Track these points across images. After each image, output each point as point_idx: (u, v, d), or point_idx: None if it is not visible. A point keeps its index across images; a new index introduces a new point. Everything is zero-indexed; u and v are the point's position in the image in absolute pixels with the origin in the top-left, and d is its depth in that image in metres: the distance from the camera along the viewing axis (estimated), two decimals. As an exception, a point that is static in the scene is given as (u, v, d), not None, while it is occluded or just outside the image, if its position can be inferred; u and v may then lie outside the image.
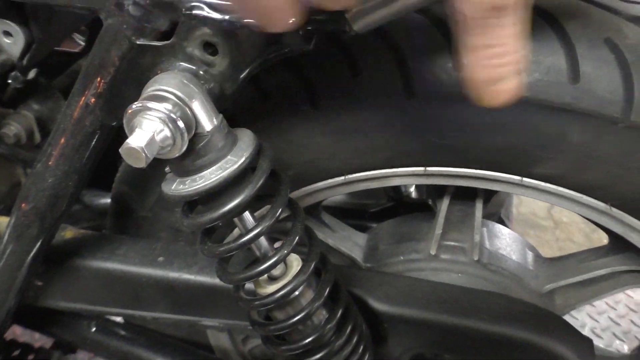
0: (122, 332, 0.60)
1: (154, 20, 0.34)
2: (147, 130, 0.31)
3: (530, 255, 0.56)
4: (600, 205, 0.42)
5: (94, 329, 0.59)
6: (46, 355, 0.67)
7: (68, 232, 0.52)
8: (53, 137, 0.42)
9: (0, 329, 0.55)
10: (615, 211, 0.43)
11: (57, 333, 0.61)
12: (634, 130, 0.37)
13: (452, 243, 0.54)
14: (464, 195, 0.52)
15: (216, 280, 0.48)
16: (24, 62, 0.40)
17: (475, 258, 0.53)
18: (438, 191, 0.54)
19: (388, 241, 0.58)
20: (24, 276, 0.51)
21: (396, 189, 0.69)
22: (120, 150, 0.31)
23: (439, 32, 0.38)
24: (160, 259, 0.50)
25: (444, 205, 0.52)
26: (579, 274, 0.53)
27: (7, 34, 0.40)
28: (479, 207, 0.51)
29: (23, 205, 0.47)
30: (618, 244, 0.50)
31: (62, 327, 0.60)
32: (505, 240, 0.56)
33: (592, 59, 0.36)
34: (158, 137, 0.32)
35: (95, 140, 0.40)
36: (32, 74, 0.41)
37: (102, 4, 0.34)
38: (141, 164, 0.31)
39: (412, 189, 0.69)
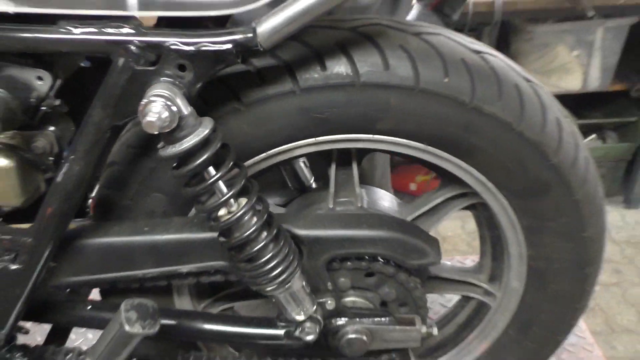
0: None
1: (148, 55, 0.59)
2: (156, 112, 0.56)
3: (395, 202, 0.85)
4: (420, 145, 0.72)
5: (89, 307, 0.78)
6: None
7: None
8: (74, 147, 0.64)
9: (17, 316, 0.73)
10: (431, 149, 0.72)
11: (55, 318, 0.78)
12: (422, 94, 0.67)
13: (342, 199, 0.81)
14: (344, 162, 0.80)
15: (188, 235, 0.71)
16: (51, 94, 0.63)
17: (359, 205, 0.80)
18: (327, 162, 0.81)
19: (301, 208, 0.84)
20: (42, 266, 0.70)
21: (301, 182, 0.95)
22: (143, 123, 0.56)
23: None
24: (145, 228, 0.71)
25: (332, 171, 0.80)
26: (425, 205, 0.82)
27: (39, 78, 0.63)
28: (355, 167, 0.79)
29: (49, 209, 0.67)
30: (444, 178, 0.80)
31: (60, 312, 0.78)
32: (378, 194, 0.85)
33: (395, 56, 0.66)
34: (162, 116, 0.57)
35: (106, 141, 0.64)
36: (57, 102, 0.63)
37: (116, 50, 0.58)
38: (155, 130, 0.56)
39: (312, 181, 0.95)
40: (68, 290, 0.78)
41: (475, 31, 2.26)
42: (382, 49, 0.66)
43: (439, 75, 0.66)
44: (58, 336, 0.84)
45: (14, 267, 0.69)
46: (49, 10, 0.57)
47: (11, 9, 0.57)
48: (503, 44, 2.38)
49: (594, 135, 2.60)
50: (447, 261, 0.98)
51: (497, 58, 0.70)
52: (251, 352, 0.83)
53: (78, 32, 0.58)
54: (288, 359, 0.78)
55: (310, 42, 0.66)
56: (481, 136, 0.70)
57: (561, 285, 0.83)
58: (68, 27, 0.58)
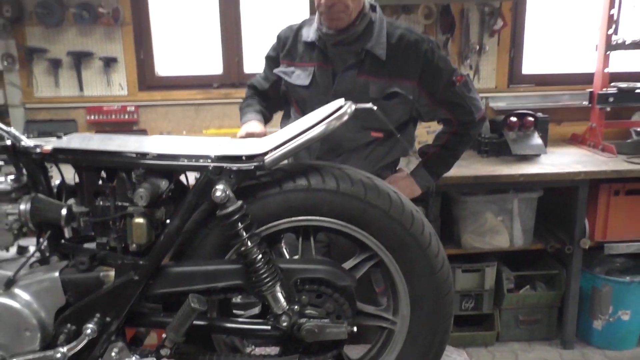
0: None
1: (217, 171, 1.36)
2: (220, 194, 1.32)
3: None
4: (342, 223, 1.46)
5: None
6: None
7: (164, 260, 1.43)
8: (173, 217, 1.39)
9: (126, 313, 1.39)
10: (349, 225, 1.46)
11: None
12: (342, 194, 1.43)
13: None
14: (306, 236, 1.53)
15: (223, 266, 1.41)
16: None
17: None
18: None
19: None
20: (147, 280, 1.39)
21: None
22: (214, 197, 1.31)
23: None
24: (201, 262, 1.42)
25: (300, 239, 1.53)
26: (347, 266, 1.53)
27: (165, 182, 1.41)
28: (311, 238, 1.52)
29: (157, 249, 1.39)
30: (358, 246, 1.52)
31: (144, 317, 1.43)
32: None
33: (327, 177, 1.45)
34: (222, 195, 1.33)
35: (190, 214, 1.38)
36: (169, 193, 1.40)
37: (206, 170, 1.36)
38: (219, 200, 1.31)
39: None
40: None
41: (422, 201, 3.06)
42: (321, 173, 1.44)
43: (350, 186, 1.43)
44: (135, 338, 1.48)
45: (135, 278, 1.38)
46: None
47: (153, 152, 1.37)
48: (446, 211, 3.20)
49: (527, 286, 3.28)
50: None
51: (379, 181, 1.48)
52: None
53: (186, 162, 1.38)
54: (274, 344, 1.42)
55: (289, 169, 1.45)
56: (375, 218, 1.44)
57: (429, 309, 1.49)
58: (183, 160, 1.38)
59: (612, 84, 3.21)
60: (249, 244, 1.36)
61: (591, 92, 3.25)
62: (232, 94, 3.41)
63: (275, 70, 2.02)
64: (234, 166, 1.36)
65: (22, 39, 3.32)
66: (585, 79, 3.35)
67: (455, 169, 2.92)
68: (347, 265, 1.51)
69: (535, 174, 2.86)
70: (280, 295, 1.39)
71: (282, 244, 1.61)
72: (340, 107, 1.39)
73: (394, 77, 1.86)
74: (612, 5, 3.06)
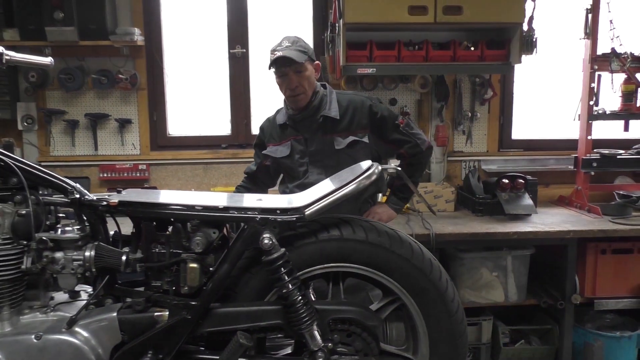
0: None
1: (263, 222, 1.59)
2: (267, 242, 1.55)
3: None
4: (371, 269, 1.69)
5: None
6: None
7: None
8: (220, 264, 1.60)
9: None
10: (375, 271, 1.68)
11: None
12: (370, 244, 1.67)
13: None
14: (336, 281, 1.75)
15: (267, 307, 1.61)
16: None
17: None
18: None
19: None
20: (197, 319, 1.59)
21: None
22: (262, 244, 1.53)
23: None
24: (244, 304, 1.62)
25: (330, 285, 1.74)
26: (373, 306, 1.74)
27: (214, 232, 1.63)
28: (341, 283, 1.74)
29: (207, 292, 1.60)
30: (382, 291, 1.74)
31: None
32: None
33: (356, 229, 1.69)
34: (269, 242, 1.55)
35: (236, 261, 1.60)
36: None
37: (254, 221, 1.59)
38: (266, 248, 1.54)
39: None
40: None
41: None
42: (352, 225, 1.68)
43: (377, 236, 1.67)
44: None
45: (187, 317, 1.58)
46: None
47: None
48: (444, 267, 3.42)
49: (522, 341, 3.48)
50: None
51: (402, 233, 1.72)
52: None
53: (235, 214, 1.61)
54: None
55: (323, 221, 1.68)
56: (398, 265, 1.67)
57: (446, 349, 1.70)
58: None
59: (595, 150, 3.55)
60: (290, 287, 1.58)
61: (576, 157, 3.58)
62: (240, 154, 3.68)
63: (264, 152, 2.56)
64: (279, 217, 1.59)
65: (43, 102, 3.59)
66: (570, 144, 3.69)
67: (452, 226, 3.21)
68: (373, 307, 1.72)
69: (528, 232, 3.12)
70: (316, 334, 1.59)
71: (310, 290, 1.82)
72: (369, 168, 1.65)
73: (351, 130, 2.43)
74: (592, 80, 3.44)
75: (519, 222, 3.28)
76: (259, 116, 3.78)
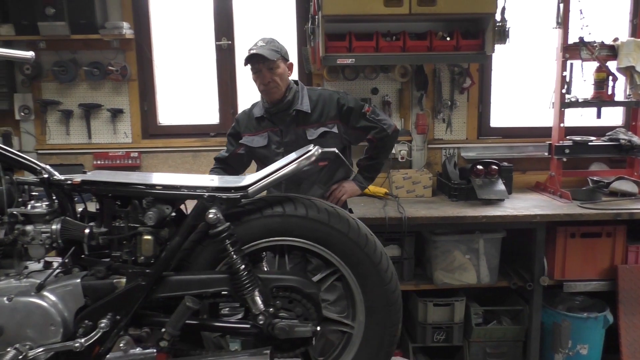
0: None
1: (210, 200, 1.78)
2: (213, 216, 1.74)
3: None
4: (311, 243, 1.87)
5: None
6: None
7: (165, 271, 1.83)
8: (174, 236, 1.80)
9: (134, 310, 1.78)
10: (315, 244, 1.87)
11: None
12: (310, 220, 1.85)
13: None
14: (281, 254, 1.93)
15: (216, 275, 1.81)
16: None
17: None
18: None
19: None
20: (151, 285, 1.79)
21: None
22: (207, 219, 1.72)
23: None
24: (198, 272, 1.81)
25: (277, 257, 1.93)
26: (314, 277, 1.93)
27: (168, 208, 1.83)
28: (286, 256, 1.93)
29: (161, 261, 1.80)
30: (323, 263, 1.92)
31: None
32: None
33: (298, 206, 1.87)
34: (214, 217, 1.74)
35: (188, 234, 1.80)
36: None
37: (202, 198, 1.78)
38: (212, 222, 1.73)
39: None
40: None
41: (397, 240, 3.46)
42: (294, 202, 1.86)
43: (317, 213, 1.85)
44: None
45: (142, 283, 1.78)
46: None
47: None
48: (420, 250, 3.60)
49: (495, 321, 3.64)
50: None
51: (341, 210, 1.90)
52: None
53: (186, 192, 1.80)
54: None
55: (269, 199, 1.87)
56: (336, 239, 1.85)
57: (381, 315, 1.88)
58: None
59: (568, 137, 3.67)
60: (234, 257, 1.77)
61: (550, 144, 3.71)
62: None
63: (241, 141, 2.82)
64: (224, 195, 1.78)
65: (39, 93, 3.82)
66: (547, 132, 3.82)
67: (426, 210, 3.38)
68: (315, 278, 1.90)
69: (496, 216, 3.28)
70: (258, 299, 1.78)
71: (264, 263, 2.01)
72: (309, 150, 1.82)
73: (321, 121, 2.72)
74: (564, 68, 3.56)
75: (490, 207, 3.44)
76: (245, 105, 3.95)
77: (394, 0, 3.44)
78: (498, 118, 4.09)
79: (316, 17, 3.51)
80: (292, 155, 1.88)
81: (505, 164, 3.76)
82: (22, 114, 3.78)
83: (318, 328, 1.82)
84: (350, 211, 3.07)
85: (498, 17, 3.51)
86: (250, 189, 1.79)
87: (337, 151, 1.90)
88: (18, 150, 3.69)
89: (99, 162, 3.85)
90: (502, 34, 3.55)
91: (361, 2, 3.42)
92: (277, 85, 2.64)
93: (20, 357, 1.70)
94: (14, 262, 1.87)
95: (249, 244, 1.86)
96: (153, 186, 1.81)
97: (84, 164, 3.84)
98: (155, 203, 1.81)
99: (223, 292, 1.82)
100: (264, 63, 2.60)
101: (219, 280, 1.81)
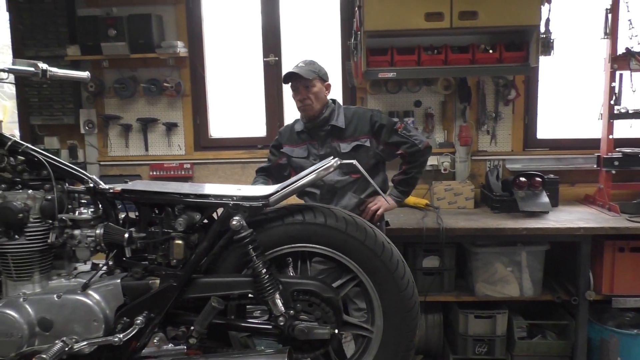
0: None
1: (236, 209, 1.93)
2: (237, 223, 1.89)
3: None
4: (331, 250, 1.98)
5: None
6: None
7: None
8: (202, 241, 1.96)
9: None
10: (335, 252, 1.97)
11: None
12: (329, 227, 1.96)
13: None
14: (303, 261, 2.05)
15: (241, 278, 1.95)
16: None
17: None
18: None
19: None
20: (182, 286, 1.96)
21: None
22: (232, 225, 1.87)
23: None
24: (224, 276, 1.97)
25: (299, 263, 2.05)
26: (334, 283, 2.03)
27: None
28: (307, 262, 2.04)
29: (191, 264, 1.96)
30: (342, 270, 2.03)
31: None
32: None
33: (317, 215, 1.98)
34: (238, 224, 1.89)
35: (215, 239, 1.95)
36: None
37: (228, 206, 1.93)
38: (236, 228, 1.88)
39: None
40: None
41: (436, 251, 3.50)
42: (314, 211, 1.98)
43: (335, 221, 1.96)
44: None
45: (174, 284, 1.94)
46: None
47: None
48: (461, 262, 3.62)
49: (539, 336, 3.60)
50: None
51: (359, 219, 2.00)
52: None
53: (213, 200, 1.96)
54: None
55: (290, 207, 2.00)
56: (354, 246, 1.95)
57: (398, 320, 1.96)
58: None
59: (618, 149, 3.60)
60: (256, 261, 1.91)
61: (598, 156, 3.65)
62: (273, 154, 4.04)
63: (282, 150, 3.02)
64: (247, 203, 1.93)
65: (101, 108, 4.14)
66: (595, 144, 3.75)
67: (465, 221, 3.41)
68: (335, 284, 2.01)
69: (537, 228, 3.26)
70: (278, 302, 1.91)
71: (290, 269, 2.13)
72: (328, 162, 1.95)
73: (354, 136, 2.86)
74: (612, 79, 3.50)
75: (532, 219, 3.41)
76: (291, 119, 4.13)
77: (435, 14, 3.51)
78: (545, 130, 4.05)
79: (358, 32, 3.63)
80: (312, 167, 2.00)
81: (552, 176, 3.72)
82: (87, 128, 4.11)
83: (336, 331, 1.93)
84: (387, 223, 3.15)
85: (542, 28, 3.50)
86: (272, 198, 1.93)
87: (355, 162, 2.00)
88: (82, 162, 4.07)
89: (154, 173, 4.12)
90: (546, 46, 3.54)
91: (402, 17, 3.52)
92: (312, 102, 2.83)
93: (67, 349, 1.90)
94: (64, 263, 2.10)
95: (271, 249, 1.99)
96: (184, 195, 1.98)
97: (141, 175, 4.13)
98: (186, 210, 1.98)
99: (249, 295, 1.96)
100: (300, 81, 2.79)
101: (243, 283, 1.95)
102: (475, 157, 4.03)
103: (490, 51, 3.64)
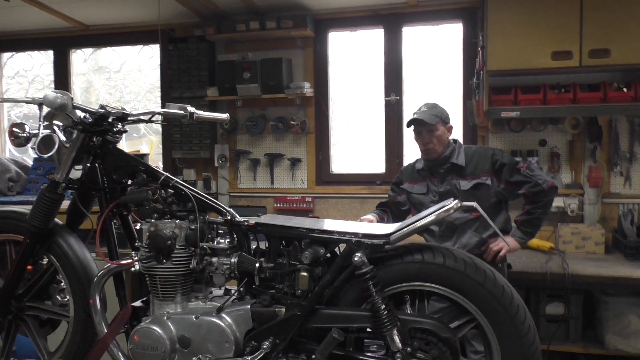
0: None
1: (362, 246, 2.06)
2: (358, 259, 2.01)
3: (443, 320, 2.12)
4: (449, 290, 2.03)
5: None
6: None
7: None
8: (329, 270, 2.10)
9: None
10: (453, 292, 2.03)
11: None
12: (448, 268, 2.02)
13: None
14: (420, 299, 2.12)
15: (361, 312, 2.06)
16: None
17: (427, 317, 2.10)
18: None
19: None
20: (307, 314, 2.11)
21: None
22: (354, 261, 2.00)
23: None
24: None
25: (416, 302, 2.12)
26: (451, 323, 2.08)
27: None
28: (425, 301, 2.11)
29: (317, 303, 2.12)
30: (460, 312, 2.07)
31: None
32: (436, 316, 2.13)
33: (437, 255, 2.06)
34: (361, 260, 2.01)
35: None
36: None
37: (350, 243, 2.07)
38: (356, 260, 2.00)
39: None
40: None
41: (562, 297, 3.40)
42: (433, 250, 2.05)
43: (454, 262, 2.02)
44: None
45: (298, 313, 2.10)
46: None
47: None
48: (589, 310, 3.48)
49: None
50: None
51: (478, 261, 2.04)
52: None
53: (337, 237, 2.10)
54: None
55: (409, 246, 2.09)
56: (472, 288, 1.99)
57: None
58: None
59: None
60: (376, 297, 2.01)
61: None
62: (392, 191, 4.16)
63: (402, 186, 3.17)
64: (369, 241, 2.05)
65: (234, 144, 4.51)
66: None
67: (594, 267, 3.28)
68: (452, 325, 2.06)
69: (677, 279, 3.06)
70: (396, 338, 1.99)
71: (407, 305, 2.21)
72: (448, 203, 2.02)
73: (475, 174, 2.94)
74: None
75: (672, 269, 3.21)
76: (410, 156, 4.24)
77: (562, 53, 3.49)
78: (687, 172, 3.80)
79: (481, 72, 3.68)
80: (433, 207, 2.08)
81: (696, 222, 3.48)
82: (220, 161, 4.50)
83: (452, 371, 1.97)
84: (509, 266, 3.13)
85: (682, 65, 3.33)
86: (393, 237, 2.03)
87: (476, 205, 2.06)
88: (215, 192, 4.44)
89: (278, 205, 4.39)
90: (686, 83, 3.36)
91: (527, 57, 3.52)
92: (435, 146, 2.97)
93: (201, 366, 2.12)
94: (202, 287, 2.34)
95: (390, 286, 2.09)
96: (311, 230, 2.15)
97: (266, 206, 4.42)
98: (311, 244, 2.14)
99: (367, 329, 2.06)
100: (424, 126, 2.95)
101: (362, 317, 2.06)
102: (606, 199, 3.87)
103: (624, 89, 3.52)
